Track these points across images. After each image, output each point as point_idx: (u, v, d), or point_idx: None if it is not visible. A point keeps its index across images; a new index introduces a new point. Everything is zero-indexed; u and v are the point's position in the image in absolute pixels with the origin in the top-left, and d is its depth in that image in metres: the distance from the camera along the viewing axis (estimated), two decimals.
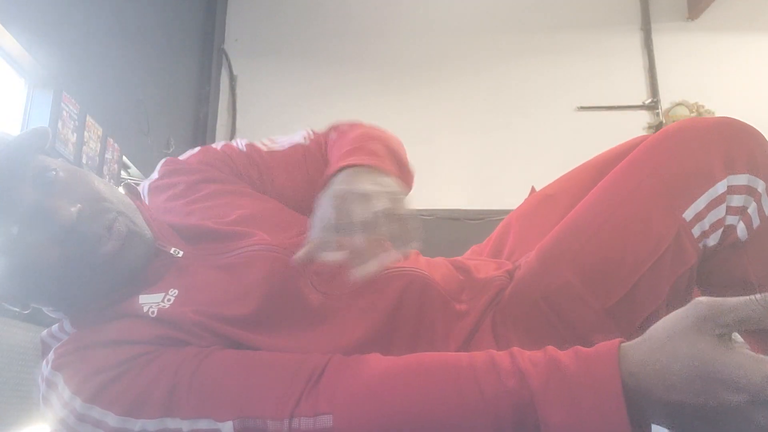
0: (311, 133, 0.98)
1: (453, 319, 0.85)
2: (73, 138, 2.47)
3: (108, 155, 2.78)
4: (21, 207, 0.73)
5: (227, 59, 4.13)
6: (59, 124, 2.39)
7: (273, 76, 4.07)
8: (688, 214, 0.77)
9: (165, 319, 0.74)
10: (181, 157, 0.99)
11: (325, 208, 0.72)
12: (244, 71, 4.12)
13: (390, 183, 0.77)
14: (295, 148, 0.96)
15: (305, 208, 0.86)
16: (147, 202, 0.94)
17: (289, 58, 4.14)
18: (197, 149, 1.00)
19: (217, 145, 1.00)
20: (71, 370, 0.72)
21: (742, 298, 0.55)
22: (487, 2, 4.22)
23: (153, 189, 0.95)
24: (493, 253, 1.06)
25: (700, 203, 0.78)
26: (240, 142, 0.99)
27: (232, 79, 4.10)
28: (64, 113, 2.44)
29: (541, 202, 1.05)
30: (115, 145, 2.85)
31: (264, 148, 0.97)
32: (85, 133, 2.58)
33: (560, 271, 0.81)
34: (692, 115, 3.81)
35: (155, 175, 0.97)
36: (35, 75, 2.39)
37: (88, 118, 2.61)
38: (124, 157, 2.93)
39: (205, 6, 4.14)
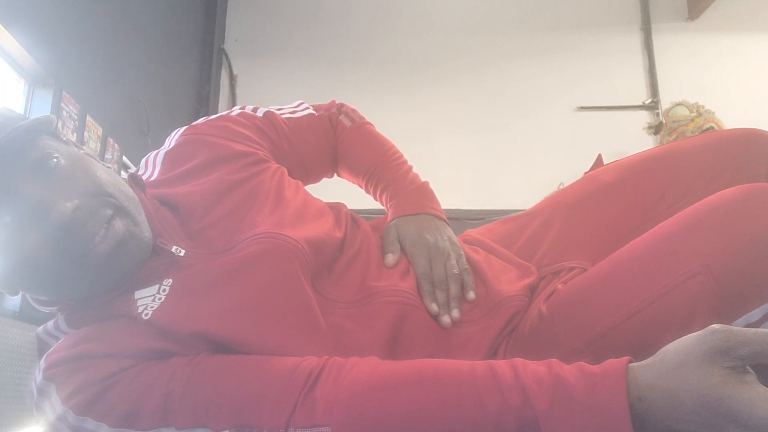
0: (311, 106, 1.08)
1: (456, 348, 0.83)
2: (73, 138, 2.47)
3: (108, 155, 2.78)
4: (16, 197, 0.70)
5: (227, 59, 4.13)
6: (59, 124, 2.38)
7: (273, 76, 4.07)
8: (739, 324, 0.66)
9: (158, 325, 0.72)
10: (200, 125, 0.95)
11: (420, 259, 0.90)
12: (244, 71, 4.12)
13: (449, 233, 0.95)
14: (308, 117, 1.05)
15: (313, 167, 1.05)
16: (156, 173, 0.91)
17: (289, 58, 4.14)
18: (215, 117, 0.97)
19: (233, 111, 0.98)
20: (62, 382, 0.70)
21: (759, 331, 0.53)
22: (487, 2, 4.22)
23: (168, 157, 0.92)
24: (526, 247, 0.97)
25: (755, 314, 0.67)
26: (254, 109, 1.00)
27: (232, 79, 4.10)
28: (64, 113, 2.44)
29: (596, 193, 0.96)
30: (115, 145, 2.85)
31: (282, 115, 1.02)
32: (85, 133, 2.58)
33: (576, 345, 0.76)
34: (692, 115, 3.81)
35: (171, 144, 0.93)
36: (35, 75, 2.39)
37: (88, 118, 2.61)
38: (124, 157, 2.93)
39: (205, 6, 4.14)
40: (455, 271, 0.88)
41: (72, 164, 0.75)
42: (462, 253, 0.92)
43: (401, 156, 1.06)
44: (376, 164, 1.03)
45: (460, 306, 0.86)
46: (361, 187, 1.07)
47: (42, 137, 0.75)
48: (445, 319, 0.84)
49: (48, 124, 0.77)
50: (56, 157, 0.73)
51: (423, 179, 1.03)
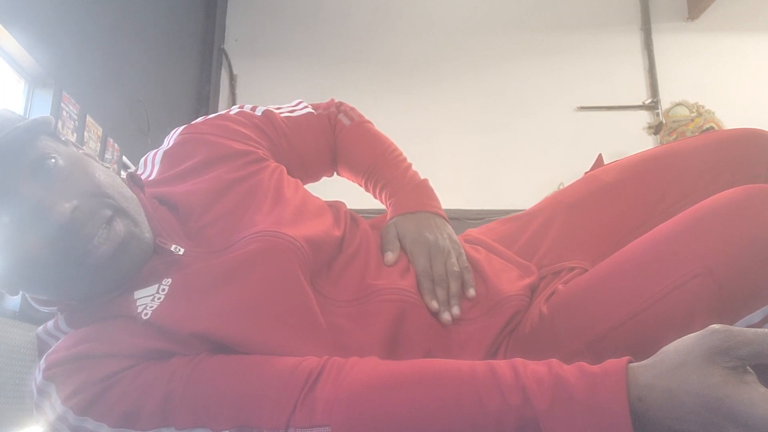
0: (310, 105, 1.08)
1: (456, 347, 0.82)
2: (73, 138, 2.47)
3: (108, 155, 2.78)
4: (15, 197, 0.70)
5: (227, 59, 4.13)
6: (59, 124, 2.38)
7: (273, 76, 4.07)
8: (739, 326, 0.65)
9: (157, 325, 0.72)
10: (199, 124, 0.95)
11: (420, 257, 0.89)
12: (244, 71, 4.12)
13: (449, 230, 0.95)
14: (307, 116, 1.05)
15: (312, 166, 1.04)
16: (155, 173, 0.90)
17: (289, 58, 4.14)
18: (214, 116, 0.97)
19: (232, 111, 0.98)
20: (62, 382, 0.70)
21: (759, 331, 0.53)
22: (487, 2, 4.22)
23: (166, 156, 0.91)
24: (527, 247, 0.97)
25: (756, 316, 0.66)
26: (253, 108, 1.00)
27: (232, 78, 4.10)
28: (64, 113, 2.44)
29: (596, 193, 0.96)
30: (115, 145, 2.85)
31: (281, 114, 1.02)
32: (85, 133, 2.58)
33: (576, 346, 0.76)
34: (692, 115, 3.81)
35: (170, 143, 0.93)
36: (35, 75, 2.39)
37: (88, 118, 2.61)
38: (124, 157, 2.93)
39: (205, 6, 4.14)
40: (455, 268, 0.88)
41: (71, 165, 0.75)
42: (462, 251, 0.92)
43: (400, 154, 1.06)
44: (375, 162, 1.03)
45: (460, 303, 0.86)
46: (360, 185, 1.07)
47: (41, 137, 0.75)
48: (446, 316, 0.84)
49: (47, 125, 0.77)
50: (55, 158, 0.74)
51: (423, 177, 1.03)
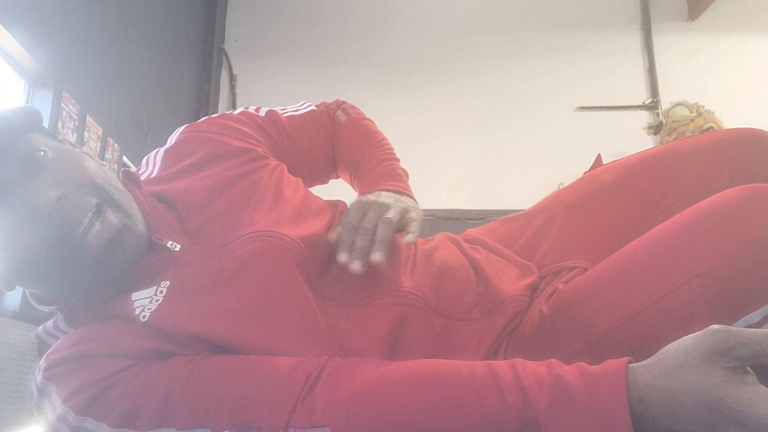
0: (313, 104, 1.08)
1: (457, 348, 0.82)
2: (73, 138, 2.47)
3: (108, 155, 2.78)
4: (3, 191, 0.70)
5: (227, 59, 4.14)
6: (59, 124, 2.38)
7: (273, 76, 4.07)
8: (739, 326, 0.65)
9: (156, 326, 0.72)
10: (201, 123, 0.95)
11: (351, 212, 0.83)
12: (244, 71, 4.12)
13: (407, 201, 0.89)
14: (310, 114, 1.05)
15: (315, 164, 1.03)
16: (156, 171, 0.91)
17: (289, 58, 4.14)
18: (216, 115, 0.97)
19: (235, 111, 0.98)
20: (62, 381, 0.70)
21: (759, 331, 0.53)
22: (487, 2, 4.22)
23: (167, 155, 0.92)
24: (527, 247, 0.96)
25: (755, 316, 0.67)
26: (257, 109, 1.00)
27: (232, 78, 4.10)
28: (64, 113, 2.44)
29: (596, 193, 0.95)
30: (115, 145, 2.85)
31: (284, 114, 1.03)
32: (85, 133, 2.58)
33: (576, 346, 0.76)
34: (692, 115, 3.81)
35: (171, 141, 0.93)
36: (35, 75, 2.39)
37: (88, 118, 2.61)
38: (124, 157, 2.93)
39: (205, 6, 4.14)
40: (389, 215, 0.81)
41: (59, 157, 0.76)
42: (410, 207, 0.86)
43: (390, 150, 1.03)
44: (361, 158, 1.01)
45: (387, 251, 0.79)
46: (349, 184, 1.06)
47: (31, 133, 0.76)
48: (354, 266, 0.77)
49: (35, 117, 0.77)
50: (44, 150, 0.74)
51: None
